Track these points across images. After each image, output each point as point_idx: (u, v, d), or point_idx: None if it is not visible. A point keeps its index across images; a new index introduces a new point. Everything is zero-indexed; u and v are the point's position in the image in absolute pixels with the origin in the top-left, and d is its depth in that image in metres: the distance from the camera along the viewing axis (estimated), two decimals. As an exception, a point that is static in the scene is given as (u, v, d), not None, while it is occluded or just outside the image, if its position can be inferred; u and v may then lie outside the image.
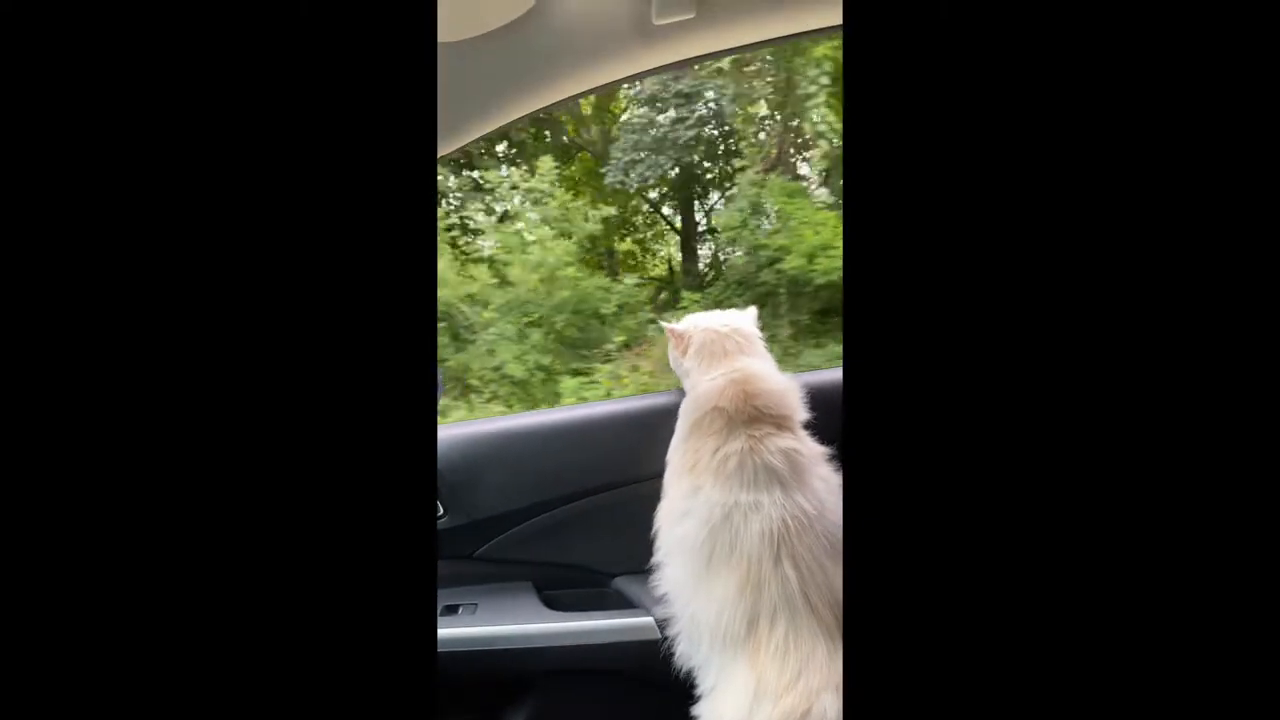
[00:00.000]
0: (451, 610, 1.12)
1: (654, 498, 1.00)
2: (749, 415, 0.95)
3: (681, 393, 1.08)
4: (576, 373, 3.31)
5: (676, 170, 4.42)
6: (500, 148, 4.71)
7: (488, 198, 4.35)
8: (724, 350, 1.03)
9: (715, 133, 4.38)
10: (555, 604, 1.14)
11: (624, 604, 1.12)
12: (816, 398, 1.00)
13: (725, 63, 3.95)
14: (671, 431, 1.03)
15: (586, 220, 3.93)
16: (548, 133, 4.90)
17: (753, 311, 1.10)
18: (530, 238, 3.86)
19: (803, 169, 4.27)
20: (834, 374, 1.19)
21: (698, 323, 1.07)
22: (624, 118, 4.59)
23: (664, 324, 1.11)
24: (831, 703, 0.79)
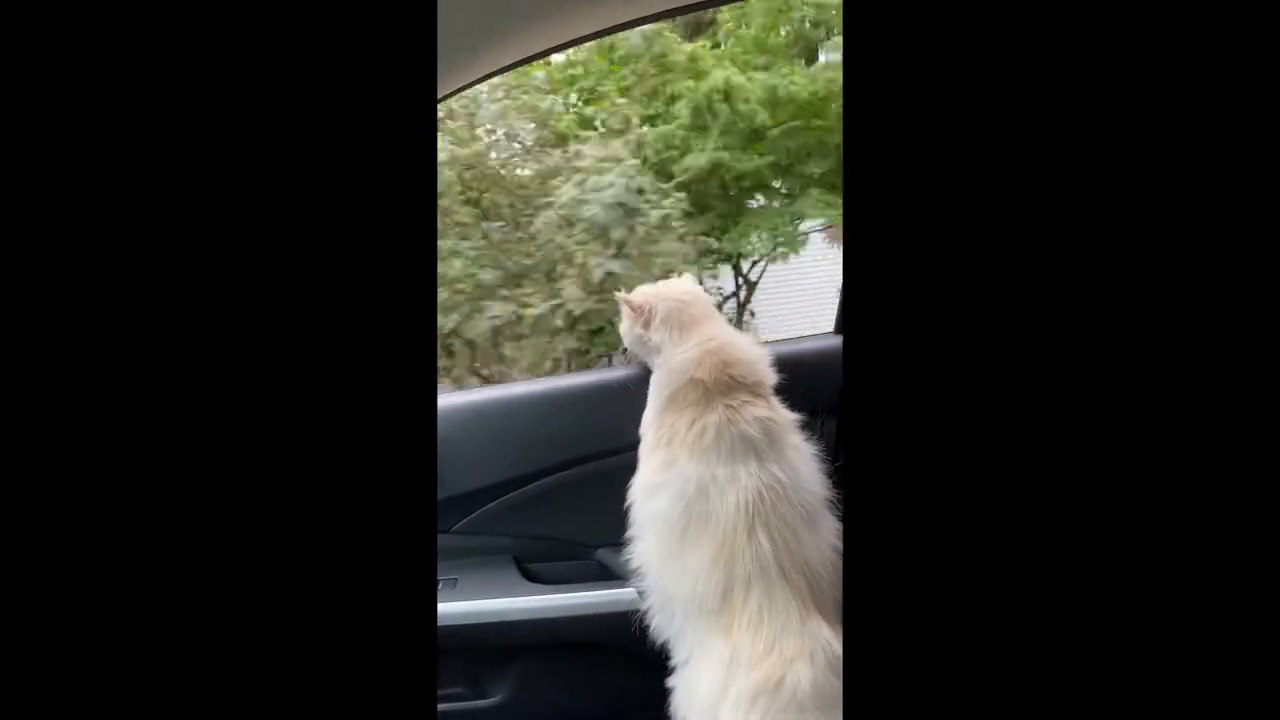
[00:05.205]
0: None
1: (635, 468, 0.99)
2: (725, 385, 0.94)
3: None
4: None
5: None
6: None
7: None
8: (691, 319, 1.01)
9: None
10: (536, 577, 1.14)
11: (606, 576, 1.12)
12: (780, 369, 0.99)
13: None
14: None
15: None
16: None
17: (690, 277, 1.10)
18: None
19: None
20: (797, 345, 1.20)
21: (654, 293, 1.04)
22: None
23: (619, 296, 1.08)
24: (805, 671, 0.79)
